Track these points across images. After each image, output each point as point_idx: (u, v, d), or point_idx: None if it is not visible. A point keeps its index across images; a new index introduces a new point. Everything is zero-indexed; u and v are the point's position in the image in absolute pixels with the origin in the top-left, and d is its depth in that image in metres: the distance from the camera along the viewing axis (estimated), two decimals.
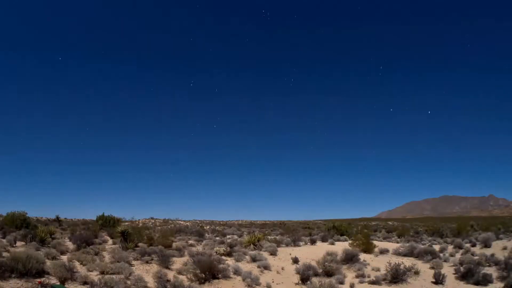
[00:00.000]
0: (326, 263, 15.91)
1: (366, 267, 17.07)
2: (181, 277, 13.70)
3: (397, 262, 15.50)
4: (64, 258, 15.75)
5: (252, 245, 21.91)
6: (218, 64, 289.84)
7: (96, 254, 17.06)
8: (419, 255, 20.24)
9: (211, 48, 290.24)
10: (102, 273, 13.24)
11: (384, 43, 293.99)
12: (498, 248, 22.43)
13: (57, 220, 46.75)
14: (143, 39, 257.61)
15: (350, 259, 18.06)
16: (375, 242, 24.31)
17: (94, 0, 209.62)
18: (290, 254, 19.80)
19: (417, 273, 16.02)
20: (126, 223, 34.81)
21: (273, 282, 14.43)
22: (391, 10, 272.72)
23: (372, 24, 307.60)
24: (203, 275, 13.60)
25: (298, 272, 15.08)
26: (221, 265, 14.95)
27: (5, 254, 14.46)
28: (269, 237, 29.63)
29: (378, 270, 16.53)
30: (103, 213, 35.14)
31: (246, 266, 16.75)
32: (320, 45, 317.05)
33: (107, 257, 16.52)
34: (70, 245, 20.35)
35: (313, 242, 25.54)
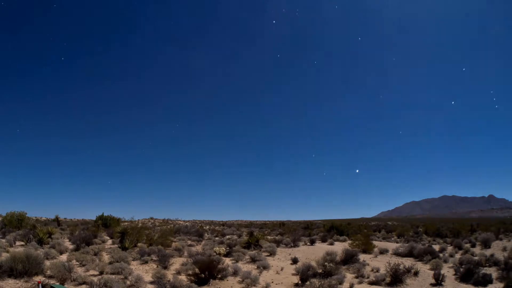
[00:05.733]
0: (325, 263, 15.89)
1: (365, 267, 17.05)
2: (180, 277, 13.68)
3: (396, 263, 15.47)
4: (64, 258, 15.75)
5: (251, 245, 21.90)
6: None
7: (96, 254, 17.05)
8: (418, 255, 20.24)
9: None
10: (101, 273, 13.23)
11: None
12: (498, 249, 22.46)
13: (56, 220, 46.70)
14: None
15: (349, 259, 18.04)
16: (374, 242, 24.32)
17: None
18: (290, 254, 19.79)
19: (416, 273, 15.99)
20: (126, 223, 34.77)
21: (272, 282, 14.40)
22: None
23: None
24: (202, 275, 13.58)
25: (297, 272, 15.05)
26: (220, 265, 14.91)
27: (4, 254, 14.46)
28: (269, 237, 29.61)
29: (377, 270, 16.51)
30: (103, 213, 35.28)
31: (245, 266, 16.74)
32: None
33: (106, 257, 16.51)
34: (69, 245, 20.36)
35: (312, 242, 25.52)
